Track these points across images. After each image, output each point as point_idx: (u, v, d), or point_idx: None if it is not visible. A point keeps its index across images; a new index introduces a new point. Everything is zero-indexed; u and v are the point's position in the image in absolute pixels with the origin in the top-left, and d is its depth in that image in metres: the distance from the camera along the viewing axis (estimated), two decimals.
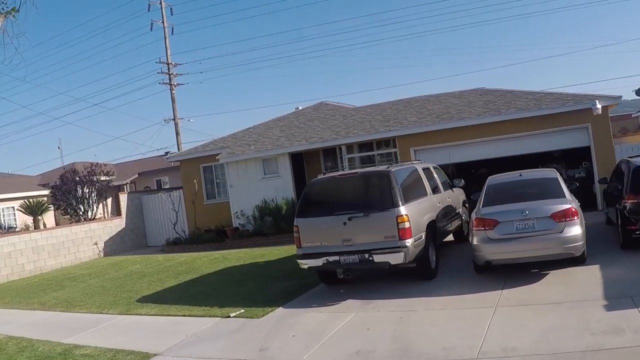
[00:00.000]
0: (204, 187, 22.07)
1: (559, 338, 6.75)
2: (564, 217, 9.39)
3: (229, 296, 11.27)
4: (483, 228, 9.75)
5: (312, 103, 26.12)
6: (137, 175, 32.18)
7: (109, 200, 25.99)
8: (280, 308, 9.89)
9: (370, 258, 9.68)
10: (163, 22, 45.95)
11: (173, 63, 46.75)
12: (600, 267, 9.70)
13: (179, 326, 9.58)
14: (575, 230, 9.39)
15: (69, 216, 28.41)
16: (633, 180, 10.56)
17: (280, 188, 19.80)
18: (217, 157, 20.57)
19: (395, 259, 9.64)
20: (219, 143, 22.66)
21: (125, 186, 29.93)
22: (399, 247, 9.60)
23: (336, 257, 9.89)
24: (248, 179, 20.37)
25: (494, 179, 11.50)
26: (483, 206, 10.24)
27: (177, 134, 46.40)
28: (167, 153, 40.11)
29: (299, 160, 20.77)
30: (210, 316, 9.90)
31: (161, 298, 11.90)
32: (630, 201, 10.28)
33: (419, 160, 13.40)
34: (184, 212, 22.08)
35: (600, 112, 16.34)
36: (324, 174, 11.70)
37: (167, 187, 31.35)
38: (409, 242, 9.67)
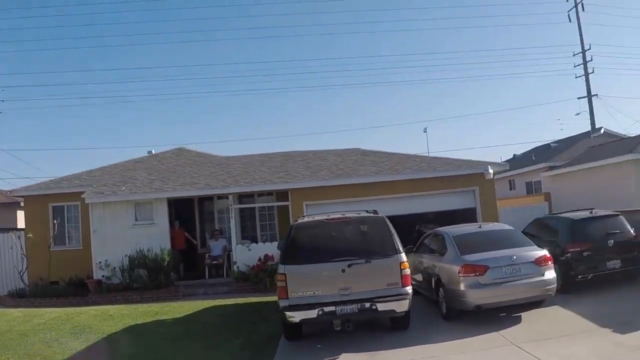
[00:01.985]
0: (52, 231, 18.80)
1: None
2: (544, 262, 10.42)
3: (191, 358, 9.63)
4: (474, 274, 10.07)
5: (166, 148, 24.30)
6: None
7: None
8: None
9: (374, 307, 9.26)
10: None
11: None
12: (559, 307, 10.87)
13: None
14: (552, 273, 10.44)
15: None
16: (572, 232, 12.45)
17: (155, 237, 17.54)
18: (82, 196, 17.63)
19: (401, 306, 9.41)
20: (73, 180, 19.65)
21: None
22: (403, 294, 9.40)
23: (332, 308, 9.21)
24: (116, 224, 17.75)
25: (453, 230, 11.98)
26: (462, 254, 10.60)
27: None
28: None
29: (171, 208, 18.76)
30: None
31: None
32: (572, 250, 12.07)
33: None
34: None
35: (492, 176, 17.91)
36: (299, 218, 11.03)
37: None
38: (409, 289, 9.53)
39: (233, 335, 10.96)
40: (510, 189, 33.40)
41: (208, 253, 18.64)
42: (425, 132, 60.62)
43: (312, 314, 9.17)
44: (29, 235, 18.39)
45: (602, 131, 36.34)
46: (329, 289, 9.27)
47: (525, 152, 44.62)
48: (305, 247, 9.79)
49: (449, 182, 18.13)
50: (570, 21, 44.08)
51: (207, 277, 18.33)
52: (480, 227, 12.06)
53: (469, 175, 18.19)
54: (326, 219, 10.25)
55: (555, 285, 10.45)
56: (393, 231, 9.92)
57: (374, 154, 21.30)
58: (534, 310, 10.80)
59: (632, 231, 12.59)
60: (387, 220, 10.14)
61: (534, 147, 45.64)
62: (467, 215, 17.82)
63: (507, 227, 12.12)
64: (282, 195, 18.77)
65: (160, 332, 11.71)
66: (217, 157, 22.29)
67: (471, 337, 9.43)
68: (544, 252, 10.56)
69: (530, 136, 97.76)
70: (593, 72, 43.19)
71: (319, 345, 9.82)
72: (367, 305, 9.18)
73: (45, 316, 13.96)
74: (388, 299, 9.25)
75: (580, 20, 43.32)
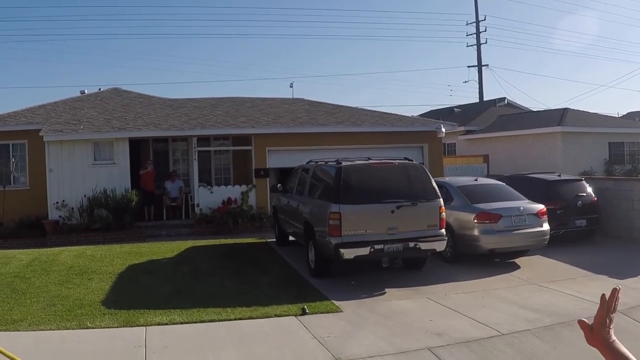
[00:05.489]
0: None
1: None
2: (543, 214, 11.56)
3: (225, 294, 9.60)
4: (489, 221, 11.14)
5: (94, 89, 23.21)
6: None
7: None
8: (334, 301, 9.05)
9: (417, 246, 9.99)
10: None
11: None
12: (542, 257, 12.06)
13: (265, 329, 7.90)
14: (547, 225, 11.63)
15: None
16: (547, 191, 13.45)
17: (116, 177, 17.08)
18: (40, 134, 16.53)
19: (440, 246, 10.31)
20: (19, 117, 18.34)
21: None
22: (441, 235, 10.28)
23: (380, 246, 9.81)
24: (74, 163, 16.97)
25: (454, 181, 12.90)
26: (474, 203, 11.61)
27: None
28: None
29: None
30: (273, 316, 8.42)
31: (134, 303, 9.09)
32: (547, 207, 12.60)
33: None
34: None
35: (444, 135, 18.72)
36: (334, 161, 11.12)
37: None
38: (444, 231, 10.39)
39: (255, 274, 11.06)
40: None
41: (165, 195, 18.45)
42: (291, 87, 64.14)
43: (365, 251, 9.75)
44: None
45: (505, 101, 38.91)
46: (378, 228, 9.88)
47: (424, 114, 46.33)
48: (357, 188, 10.18)
49: (401, 137, 19.12)
50: None
51: (164, 218, 18.21)
52: (476, 180, 13.06)
53: (421, 132, 19.37)
54: (372, 164, 10.71)
55: (549, 236, 11.58)
56: (432, 178, 10.70)
57: (321, 104, 21.84)
58: (522, 258, 11.90)
59: (593, 195, 14.07)
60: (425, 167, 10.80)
61: (429, 110, 47.55)
62: None
63: (499, 182, 13.19)
64: (237, 139, 18.82)
65: (170, 272, 11.45)
66: (162, 99, 21.73)
67: (489, 277, 10.40)
68: (543, 206, 11.67)
69: (419, 99, 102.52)
70: (486, 42, 45.31)
71: (352, 282, 10.38)
72: (412, 244, 9.90)
73: (18, 257, 13.02)
74: (430, 239, 10.06)
75: None
